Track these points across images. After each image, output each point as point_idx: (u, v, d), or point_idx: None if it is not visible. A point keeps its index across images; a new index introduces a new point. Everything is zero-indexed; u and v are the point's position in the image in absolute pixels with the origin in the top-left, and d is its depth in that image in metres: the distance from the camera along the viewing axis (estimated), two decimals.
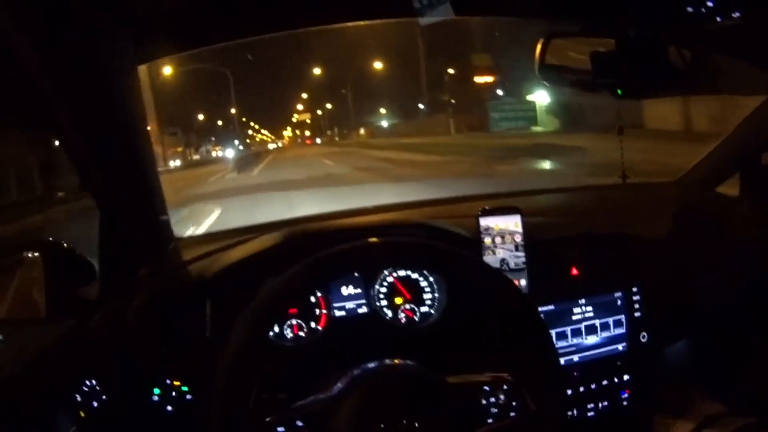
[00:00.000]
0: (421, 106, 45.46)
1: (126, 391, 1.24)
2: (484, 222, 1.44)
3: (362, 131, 58.97)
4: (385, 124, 52.48)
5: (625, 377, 1.50)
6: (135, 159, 1.26)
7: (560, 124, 20.54)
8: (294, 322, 1.37)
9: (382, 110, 55.28)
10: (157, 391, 1.25)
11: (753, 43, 1.29)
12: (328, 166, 19.67)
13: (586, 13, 1.21)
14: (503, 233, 1.45)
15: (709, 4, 1.13)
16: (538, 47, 1.16)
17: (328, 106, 77.13)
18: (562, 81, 1.26)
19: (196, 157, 47.41)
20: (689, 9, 1.14)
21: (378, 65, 46.20)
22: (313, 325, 1.38)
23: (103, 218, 1.29)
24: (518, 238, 1.45)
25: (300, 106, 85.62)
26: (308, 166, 19.43)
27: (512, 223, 1.45)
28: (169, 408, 1.25)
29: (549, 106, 21.66)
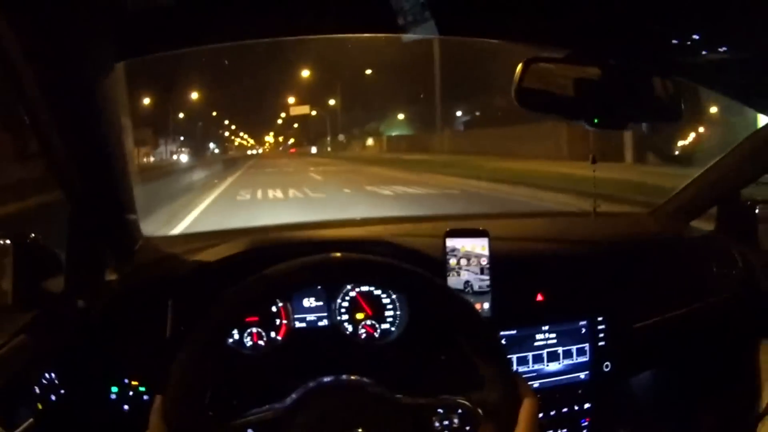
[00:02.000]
0: (459, 114, 37.21)
1: (84, 387, 1.24)
2: (451, 243, 1.44)
3: (370, 141, 50.02)
4: (394, 133, 44.21)
5: (586, 405, 1.50)
6: (108, 156, 1.25)
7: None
8: (254, 330, 1.37)
9: (400, 116, 45.74)
10: (114, 389, 1.25)
11: (737, 79, 1.30)
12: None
13: (571, 40, 1.21)
14: (469, 255, 1.44)
15: (696, 37, 1.13)
16: (518, 70, 1.15)
17: (332, 102, 63.38)
18: (538, 106, 1.23)
19: (150, 159, 36.67)
20: (674, 41, 1.14)
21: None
22: (273, 334, 1.38)
23: (73, 213, 1.28)
24: (484, 261, 1.43)
25: (291, 99, 68.81)
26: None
27: (479, 246, 1.44)
28: (126, 407, 1.25)
29: None
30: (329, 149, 61.51)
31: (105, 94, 1.20)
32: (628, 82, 1.18)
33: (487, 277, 1.43)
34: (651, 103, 1.20)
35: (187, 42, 1.30)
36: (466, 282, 1.43)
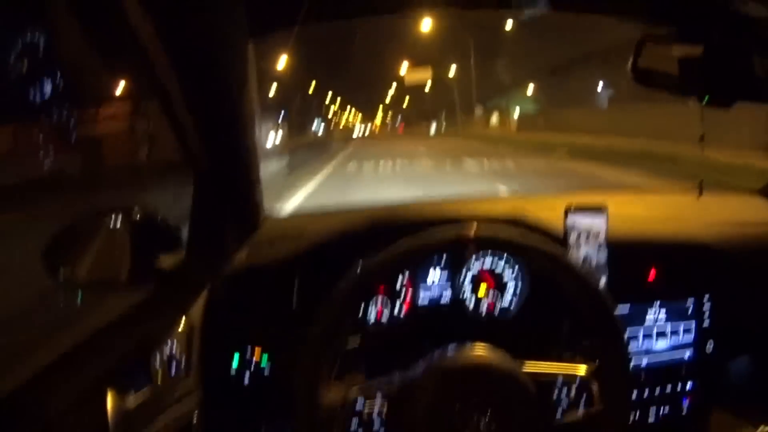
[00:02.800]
0: (600, 87, 24.87)
1: (206, 359, 1.28)
2: (571, 219, 1.45)
3: (494, 119, 41.25)
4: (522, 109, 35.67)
5: (689, 385, 1.50)
6: (237, 132, 1.28)
7: None
8: (379, 302, 1.40)
9: (530, 89, 37.50)
10: (237, 358, 1.30)
11: None
12: None
13: (677, 18, 1.24)
14: (588, 231, 1.45)
15: None
16: (634, 50, 1.21)
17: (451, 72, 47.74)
18: (654, 83, 1.27)
19: None
20: None
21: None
22: (397, 307, 1.41)
23: (197, 187, 1.32)
24: (602, 237, 1.44)
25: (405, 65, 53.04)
26: None
27: (597, 222, 1.44)
28: (248, 376, 1.31)
29: None
30: (443, 127, 52.90)
31: (235, 70, 1.23)
32: (732, 61, 1.20)
33: (605, 253, 1.45)
34: (757, 82, 1.20)
35: (315, 16, 1.32)
36: (585, 257, 1.45)
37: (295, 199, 9.22)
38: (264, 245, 1.43)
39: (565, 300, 1.11)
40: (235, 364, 1.30)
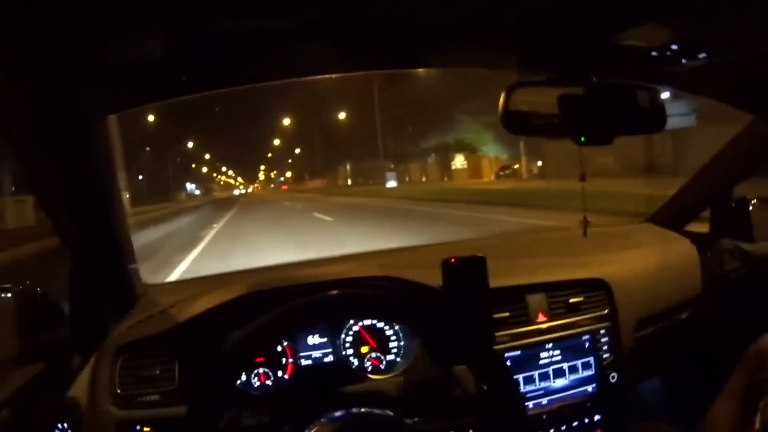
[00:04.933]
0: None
1: None
2: (449, 271, 1.39)
3: (458, 162, 37.84)
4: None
5: (596, 418, 1.51)
6: (105, 208, 1.27)
7: None
8: (261, 370, 1.37)
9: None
10: None
11: (721, 82, 1.32)
12: None
13: (552, 63, 1.23)
14: (468, 281, 1.39)
15: (674, 47, 1.14)
16: (502, 97, 1.16)
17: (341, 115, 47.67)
18: (525, 129, 1.24)
19: None
20: (654, 54, 1.16)
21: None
22: (279, 373, 1.39)
23: (74, 264, 1.30)
24: (482, 286, 1.40)
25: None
26: None
27: (477, 272, 1.39)
28: None
29: None
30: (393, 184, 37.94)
31: (98, 146, 1.22)
32: (611, 97, 1.20)
33: (488, 301, 1.41)
34: (636, 115, 1.21)
35: (174, 93, 1.30)
36: (467, 306, 1.40)
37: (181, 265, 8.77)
38: (145, 316, 1.40)
39: (450, 352, 1.11)
40: None
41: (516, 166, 32.89)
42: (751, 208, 1.77)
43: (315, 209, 20.03)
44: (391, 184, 36.29)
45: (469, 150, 36.66)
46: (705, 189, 1.85)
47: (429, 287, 1.41)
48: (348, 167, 55.77)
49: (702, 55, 1.18)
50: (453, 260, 1.39)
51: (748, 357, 0.95)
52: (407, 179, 40.46)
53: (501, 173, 34.02)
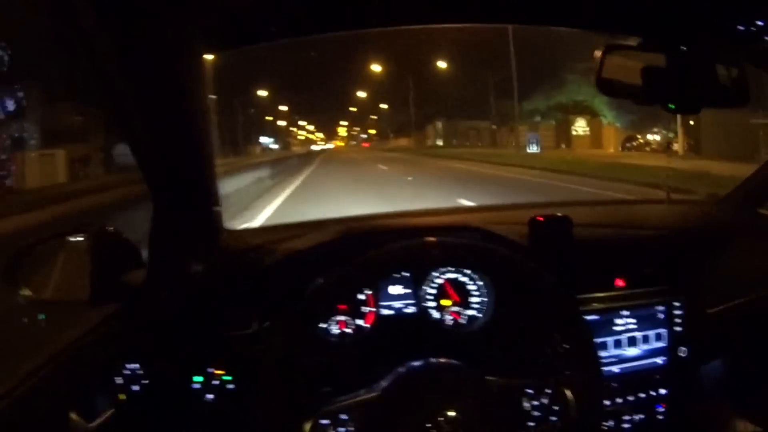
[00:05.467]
0: None
1: (168, 377, 1.27)
2: (536, 230, 1.46)
3: (580, 126, 33.57)
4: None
5: (662, 391, 1.49)
6: (194, 148, 1.28)
7: None
8: (341, 318, 1.38)
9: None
10: (198, 378, 1.28)
11: None
12: None
13: (641, 28, 1.26)
14: (553, 241, 1.46)
15: (760, 23, 1.16)
16: (597, 58, 1.22)
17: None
18: (619, 93, 1.28)
19: None
20: (740, 27, 1.19)
21: None
22: (360, 322, 1.40)
23: (157, 205, 1.31)
24: (567, 248, 1.45)
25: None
26: None
27: (562, 232, 1.46)
28: (210, 396, 1.28)
29: None
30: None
31: (191, 87, 1.23)
32: (696, 68, 1.22)
33: (571, 263, 1.43)
34: (720, 88, 1.23)
35: (270, 36, 1.29)
36: (551, 267, 1.43)
37: (264, 212, 8.89)
38: (226, 261, 1.43)
39: (533, 310, 1.10)
40: (196, 384, 1.28)
41: (642, 139, 29.84)
42: None
43: (436, 182, 15.41)
44: (533, 149, 29.37)
45: (591, 114, 32.40)
46: None
47: (516, 242, 1.43)
48: (440, 125, 51.67)
49: None
50: (540, 218, 1.44)
51: None
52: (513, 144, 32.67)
53: (628, 145, 30.50)
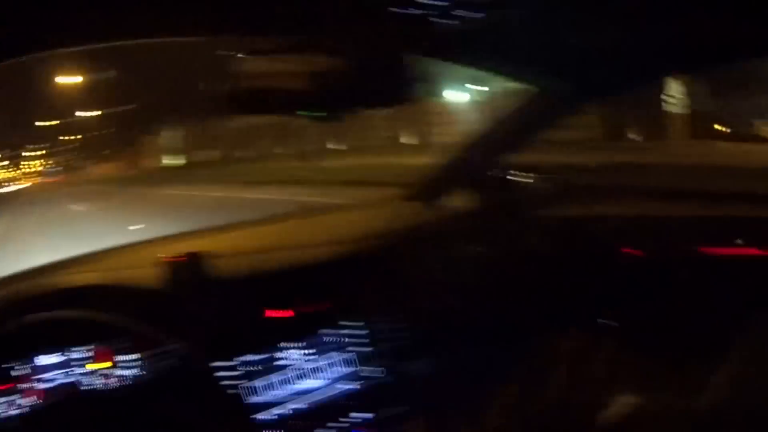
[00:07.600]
0: None
1: None
2: (165, 270, 1.33)
3: None
4: None
5: (359, 417, 1.43)
6: None
7: None
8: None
9: None
10: None
11: (489, 49, 1.29)
12: None
13: (293, 29, 1.13)
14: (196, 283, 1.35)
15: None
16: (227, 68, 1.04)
17: None
18: (257, 107, 1.21)
19: None
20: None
21: None
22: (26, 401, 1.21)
23: None
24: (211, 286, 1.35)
25: None
26: None
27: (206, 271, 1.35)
28: None
29: None
30: None
31: None
32: (358, 69, 1.10)
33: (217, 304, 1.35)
34: (384, 87, 1.14)
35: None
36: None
37: None
38: None
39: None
40: None
41: None
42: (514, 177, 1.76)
43: None
44: None
45: None
46: (463, 164, 1.83)
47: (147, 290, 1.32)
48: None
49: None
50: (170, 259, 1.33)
51: None
52: None
53: None
